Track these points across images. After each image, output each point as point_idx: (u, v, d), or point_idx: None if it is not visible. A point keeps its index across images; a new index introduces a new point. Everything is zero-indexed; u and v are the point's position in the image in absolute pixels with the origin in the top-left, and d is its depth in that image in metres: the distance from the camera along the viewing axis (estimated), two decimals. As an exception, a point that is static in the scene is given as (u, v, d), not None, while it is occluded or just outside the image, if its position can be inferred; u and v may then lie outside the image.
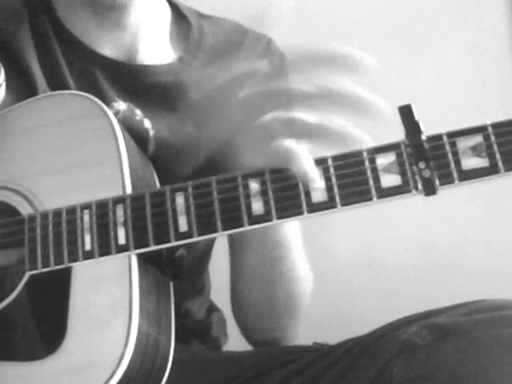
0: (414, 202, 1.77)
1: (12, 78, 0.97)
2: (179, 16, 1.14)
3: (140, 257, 0.82)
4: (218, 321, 1.18)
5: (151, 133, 1.03)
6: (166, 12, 1.12)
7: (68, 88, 1.00)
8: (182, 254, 0.86)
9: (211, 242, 1.16)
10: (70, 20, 1.05)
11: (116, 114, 1.01)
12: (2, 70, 0.91)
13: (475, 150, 0.72)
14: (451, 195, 1.79)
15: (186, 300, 1.09)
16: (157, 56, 1.08)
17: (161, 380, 0.84)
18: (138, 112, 1.03)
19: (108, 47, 1.05)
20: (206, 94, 1.07)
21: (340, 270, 1.66)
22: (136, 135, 0.98)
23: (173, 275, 0.88)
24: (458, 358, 0.75)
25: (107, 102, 1.01)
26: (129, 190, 0.84)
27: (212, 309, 1.19)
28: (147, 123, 1.03)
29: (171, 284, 0.88)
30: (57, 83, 1.01)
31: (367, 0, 1.76)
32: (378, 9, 1.75)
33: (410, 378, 0.77)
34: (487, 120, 1.48)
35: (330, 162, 0.78)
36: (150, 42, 1.08)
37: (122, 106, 1.03)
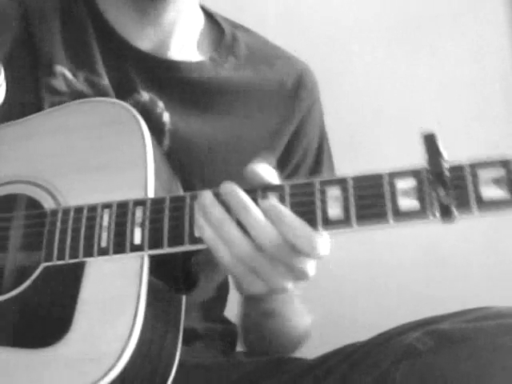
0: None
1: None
2: (213, 23, 1.16)
3: (155, 262, 0.84)
4: (227, 331, 1.19)
5: (167, 127, 1.04)
6: (200, 17, 1.15)
7: (96, 71, 1.03)
8: (196, 262, 0.88)
9: None
10: (108, 10, 1.08)
11: (136, 104, 1.02)
12: (2, 70, 0.94)
13: (497, 183, 0.72)
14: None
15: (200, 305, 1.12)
16: (187, 55, 1.10)
17: (166, 379, 0.86)
18: (161, 104, 1.05)
19: (141, 41, 1.07)
20: (231, 98, 1.09)
21: (340, 270, 1.66)
22: (152, 128, 0.98)
23: (187, 288, 0.90)
24: (460, 365, 0.75)
25: (130, 92, 1.04)
26: (150, 195, 0.86)
27: (224, 321, 1.20)
28: (166, 117, 1.04)
29: (183, 297, 0.90)
30: (87, 66, 1.04)
31: (367, 0, 1.77)
32: (377, 9, 1.76)
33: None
34: (488, 120, 1.49)
35: (349, 182, 0.78)
36: (183, 41, 1.10)
37: (144, 97, 1.05)
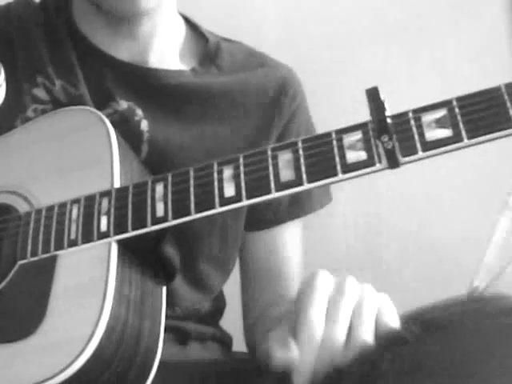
0: (414, 200, 1.76)
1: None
2: (196, 34, 1.16)
3: (128, 253, 0.85)
4: (222, 335, 1.18)
5: (146, 135, 1.05)
6: (181, 28, 1.15)
7: (72, 81, 1.06)
8: (169, 245, 0.89)
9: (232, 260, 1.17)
10: (83, 24, 1.10)
11: (113, 113, 1.04)
12: (2, 70, 0.96)
13: (439, 122, 0.72)
14: (450, 193, 1.77)
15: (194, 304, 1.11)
16: (167, 64, 1.11)
17: (147, 374, 0.85)
18: (139, 112, 1.05)
19: (118, 51, 1.08)
20: (210, 105, 1.09)
21: (339, 268, 1.65)
22: (130, 136, 1.00)
23: (166, 279, 0.91)
24: (445, 351, 0.74)
25: (107, 101, 1.05)
26: (117, 186, 0.89)
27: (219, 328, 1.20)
28: (144, 125, 1.05)
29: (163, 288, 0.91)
30: (69, 80, 1.06)
31: (367, 1, 1.77)
32: (377, 9, 1.76)
33: (398, 372, 0.75)
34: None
35: (299, 144, 0.79)
36: (162, 51, 1.10)
37: (122, 105, 1.05)
